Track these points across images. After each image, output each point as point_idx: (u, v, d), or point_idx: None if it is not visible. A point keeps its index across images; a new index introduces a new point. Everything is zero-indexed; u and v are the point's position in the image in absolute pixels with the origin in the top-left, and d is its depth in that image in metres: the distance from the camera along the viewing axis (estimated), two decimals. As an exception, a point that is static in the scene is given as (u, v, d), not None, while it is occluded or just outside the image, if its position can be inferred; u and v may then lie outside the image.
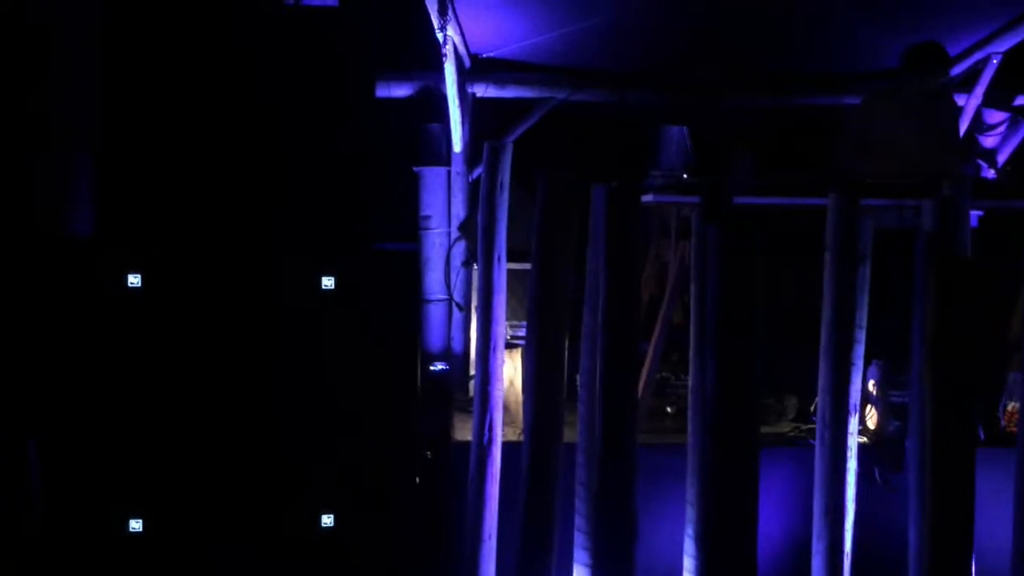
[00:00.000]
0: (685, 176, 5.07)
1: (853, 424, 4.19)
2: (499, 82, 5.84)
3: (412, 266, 5.60)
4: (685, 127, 5.39)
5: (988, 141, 6.01)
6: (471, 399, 4.47)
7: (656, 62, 5.84)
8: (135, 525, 4.14)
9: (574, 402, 4.12)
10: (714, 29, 5.51)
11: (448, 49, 5.15)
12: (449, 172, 5.71)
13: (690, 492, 4.02)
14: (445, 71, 5.32)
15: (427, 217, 5.66)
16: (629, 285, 3.93)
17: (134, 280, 4.14)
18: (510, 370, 4.74)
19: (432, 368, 5.38)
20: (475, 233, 4.26)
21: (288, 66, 4.20)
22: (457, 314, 5.65)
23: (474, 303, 5.08)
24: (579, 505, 4.02)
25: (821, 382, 4.09)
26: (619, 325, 3.88)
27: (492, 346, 4.06)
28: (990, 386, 4.74)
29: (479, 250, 4.09)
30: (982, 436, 4.59)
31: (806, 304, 4.38)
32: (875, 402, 4.68)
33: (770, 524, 4.26)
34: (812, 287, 4.20)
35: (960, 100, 5.89)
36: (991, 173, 5.94)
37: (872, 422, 4.69)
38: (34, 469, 4.16)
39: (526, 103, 5.93)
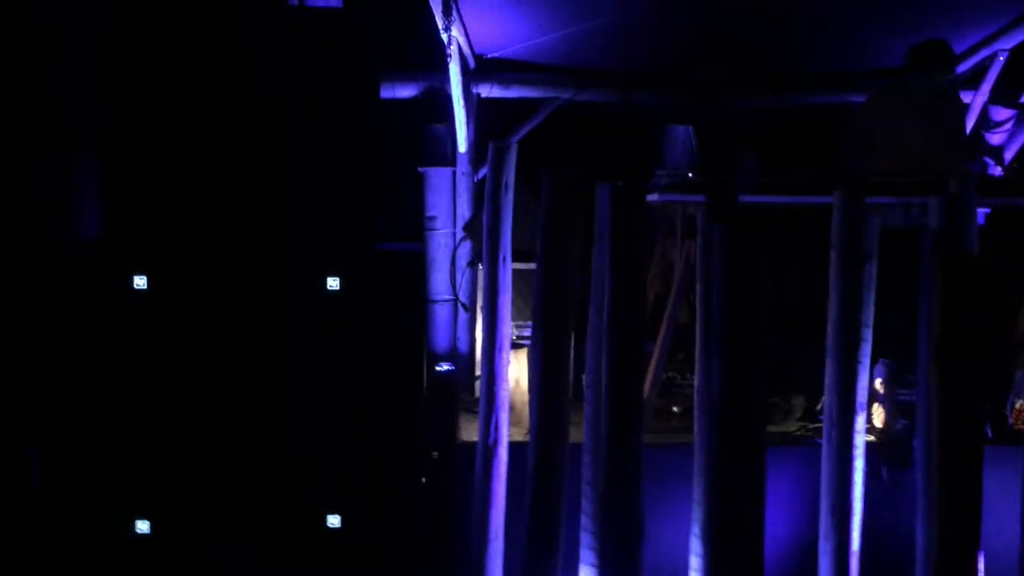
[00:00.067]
0: (690, 175, 5.07)
1: (860, 423, 4.18)
2: (503, 82, 5.84)
3: (417, 267, 5.60)
4: (690, 126, 5.38)
5: (995, 138, 6.00)
6: (477, 399, 4.47)
7: (661, 62, 5.83)
8: (142, 526, 4.15)
9: (580, 402, 4.12)
10: (718, 29, 5.51)
11: (452, 49, 5.15)
12: (454, 172, 5.71)
13: (696, 491, 4.02)
14: (450, 71, 5.32)
15: (432, 218, 5.66)
16: (635, 285, 3.93)
17: (140, 282, 4.14)
18: (516, 370, 4.74)
19: (438, 369, 5.38)
20: (480, 233, 4.26)
21: (292, 67, 4.21)
22: (463, 314, 5.65)
23: (479, 303, 5.08)
24: (585, 505, 4.02)
25: (828, 381, 4.08)
26: (625, 325, 3.88)
27: (498, 346, 4.06)
28: (997, 384, 4.72)
29: (484, 250, 4.09)
30: (989, 434, 4.58)
31: (812, 303, 4.37)
32: (882, 401, 4.67)
33: (777, 523, 4.25)
34: (818, 286, 4.19)
35: (967, 97, 5.87)
36: (998, 170, 5.92)
37: (879, 421, 4.67)
38: (33, 470, 4.16)
39: (531, 103, 5.93)
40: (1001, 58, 5.79)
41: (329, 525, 4.18)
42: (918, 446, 3.95)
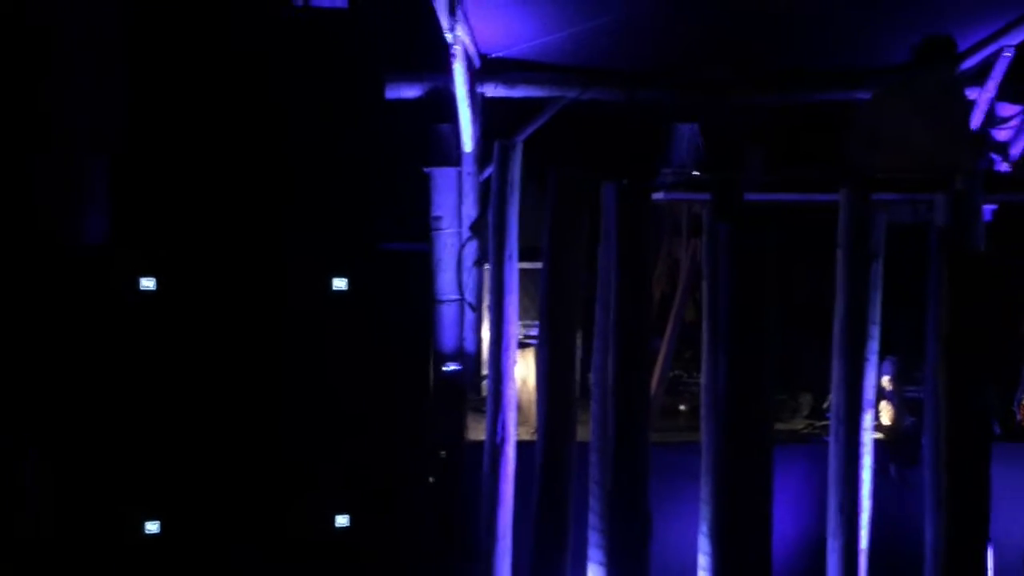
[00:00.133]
0: (696, 174, 5.06)
1: (868, 420, 4.18)
2: (508, 82, 5.84)
3: (423, 267, 5.60)
4: (696, 125, 5.37)
5: (1001, 135, 5.98)
6: (484, 399, 4.47)
7: (666, 60, 5.82)
8: (151, 527, 4.16)
9: (587, 400, 4.12)
10: (724, 27, 5.50)
11: (457, 49, 5.15)
12: (459, 172, 5.71)
13: (704, 490, 4.01)
14: (454, 71, 5.32)
15: (438, 217, 5.66)
16: (641, 283, 3.93)
17: (148, 284, 4.16)
18: (523, 369, 4.73)
19: (445, 368, 5.39)
20: (486, 233, 4.26)
21: (297, 68, 4.22)
22: (469, 314, 5.65)
23: (486, 303, 5.08)
24: (593, 503, 4.02)
25: (835, 378, 4.07)
26: (631, 323, 3.88)
27: (504, 345, 4.06)
28: (1005, 381, 4.71)
29: (490, 249, 4.09)
30: (997, 431, 4.57)
31: (819, 300, 4.36)
32: (890, 398, 4.66)
33: (785, 521, 4.24)
34: (825, 283, 4.19)
35: (973, 94, 5.86)
36: (1005, 167, 5.91)
37: (887, 418, 4.67)
38: (30, 471, 4.17)
39: (536, 102, 5.93)
40: (1007, 54, 5.78)
41: (337, 524, 4.20)
42: (926, 443, 3.95)
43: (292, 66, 4.20)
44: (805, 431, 4.83)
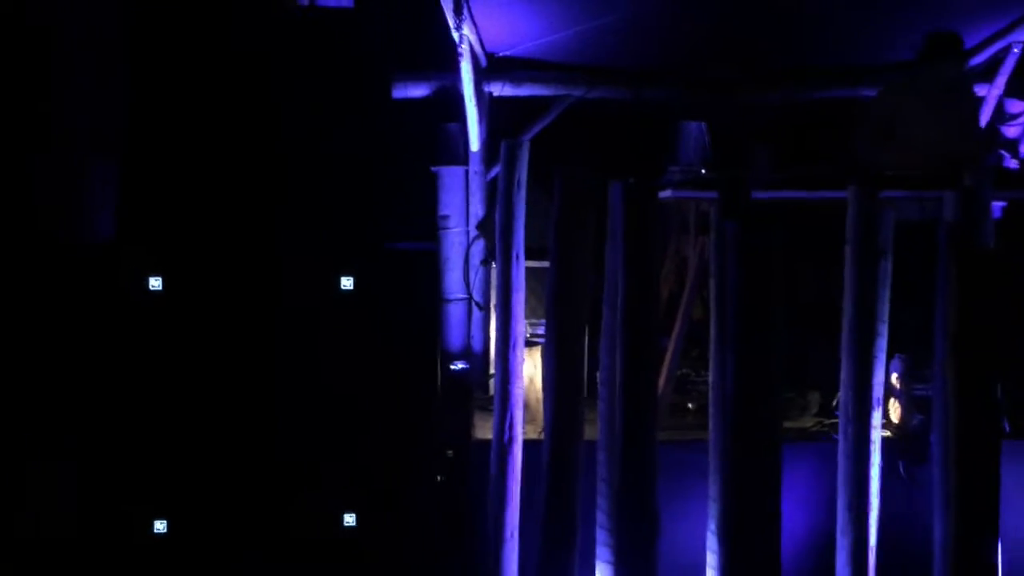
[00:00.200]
0: (703, 172, 5.05)
1: (876, 418, 4.17)
2: (515, 80, 5.84)
3: (431, 266, 5.61)
4: (703, 123, 5.36)
5: (1010, 131, 5.96)
6: (491, 398, 4.47)
7: (672, 58, 5.82)
8: (159, 526, 4.17)
9: (594, 399, 4.12)
10: (729, 24, 5.49)
11: (464, 48, 5.15)
12: (467, 171, 5.72)
13: (712, 488, 4.01)
14: (461, 70, 5.33)
15: (445, 216, 5.67)
16: (648, 281, 3.93)
17: (155, 283, 4.17)
18: (530, 368, 4.74)
19: (452, 367, 5.39)
20: (493, 232, 4.26)
21: (304, 68, 4.23)
22: (477, 313, 5.66)
23: (493, 302, 5.09)
24: (601, 502, 4.02)
25: (843, 376, 4.06)
26: (639, 322, 3.87)
27: (512, 344, 4.06)
28: (1015, 378, 4.69)
29: (497, 249, 4.09)
30: (1007, 428, 4.55)
31: (827, 298, 4.35)
32: (898, 396, 4.65)
33: (794, 519, 4.24)
34: (833, 281, 4.18)
35: (981, 90, 5.83)
36: (1014, 163, 5.88)
37: (895, 416, 4.65)
38: (66, 470, 4.19)
39: (543, 101, 5.93)
40: (1016, 50, 5.76)
41: (345, 524, 4.20)
42: (935, 441, 3.94)
43: (298, 66, 4.21)
44: (814, 429, 4.82)
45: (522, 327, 4.11)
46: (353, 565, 4.26)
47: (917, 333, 4.43)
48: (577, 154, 5.68)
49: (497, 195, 4.10)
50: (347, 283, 4.23)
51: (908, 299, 4.39)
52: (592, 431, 4.10)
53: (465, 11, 4.88)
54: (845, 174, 4.24)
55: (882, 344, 4.22)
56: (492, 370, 4.94)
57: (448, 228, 5.67)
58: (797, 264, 4.28)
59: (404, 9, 5.08)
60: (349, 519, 4.23)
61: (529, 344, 4.65)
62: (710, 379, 4.07)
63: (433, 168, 5.70)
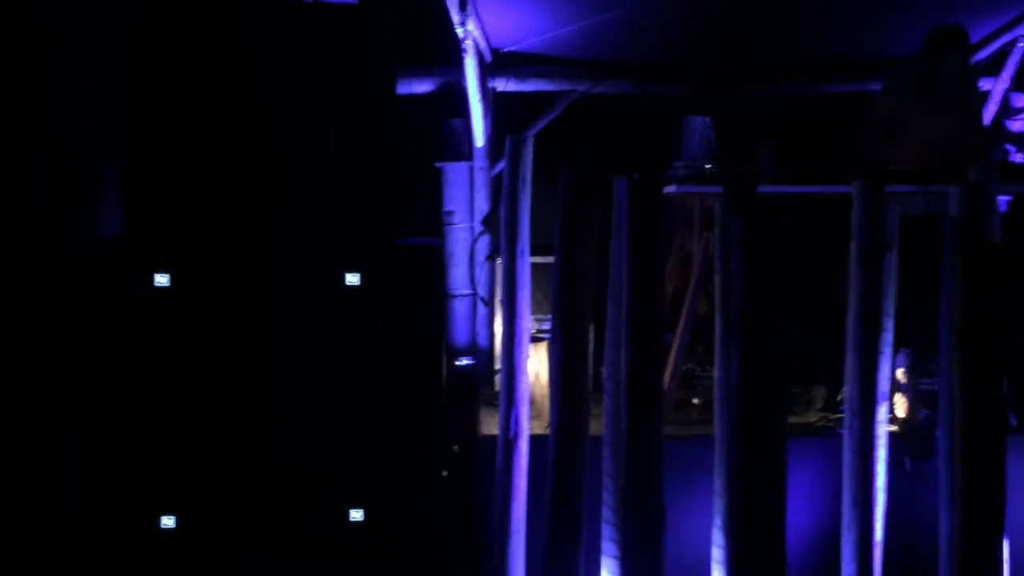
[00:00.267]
0: (708, 167, 5.05)
1: (882, 413, 4.16)
2: (520, 76, 5.84)
3: (436, 262, 5.61)
4: (708, 118, 5.35)
5: (1015, 125, 5.94)
6: (497, 393, 4.48)
7: (677, 53, 5.81)
8: (167, 522, 4.19)
9: (600, 395, 4.12)
10: (734, 19, 5.48)
11: (468, 44, 5.15)
12: (471, 167, 5.72)
13: (718, 483, 4.01)
14: (465, 66, 5.33)
15: (450, 212, 5.67)
16: (653, 277, 3.93)
17: (162, 280, 4.18)
18: (535, 364, 4.74)
19: (458, 363, 5.40)
20: (498, 227, 4.27)
21: (307, 64, 4.23)
22: (482, 309, 5.66)
23: (498, 297, 5.09)
24: (606, 497, 4.02)
25: (849, 371, 4.06)
26: (644, 317, 3.87)
27: (517, 340, 4.06)
28: (1021, 372, 4.68)
29: (502, 244, 4.09)
30: (1013, 423, 4.54)
31: (833, 293, 4.35)
32: (904, 390, 4.64)
33: (799, 514, 4.24)
34: (838, 276, 4.17)
35: (987, 85, 5.82)
36: (1019, 157, 5.87)
37: (901, 411, 4.65)
38: (68, 465, 4.20)
39: (547, 97, 5.92)
40: (1021, 44, 5.74)
41: (351, 519, 4.21)
42: (941, 435, 3.93)
43: (301, 62, 4.21)
44: (819, 424, 4.81)
45: (527, 323, 4.12)
46: (359, 561, 4.27)
47: (923, 328, 4.42)
48: (582, 149, 5.68)
49: (502, 191, 4.10)
50: (352, 279, 4.24)
51: (913, 294, 4.39)
52: (597, 426, 4.11)
53: (469, 7, 4.88)
54: (850, 169, 4.24)
55: (887, 339, 4.22)
56: (497, 366, 4.94)
57: (453, 224, 5.67)
58: (802, 259, 4.28)
59: (408, 5, 5.07)
60: (355, 515, 4.23)
61: (535, 340, 4.65)
62: (715, 374, 4.07)
63: (437, 164, 5.70)
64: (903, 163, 4.84)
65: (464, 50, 5.15)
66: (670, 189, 4.79)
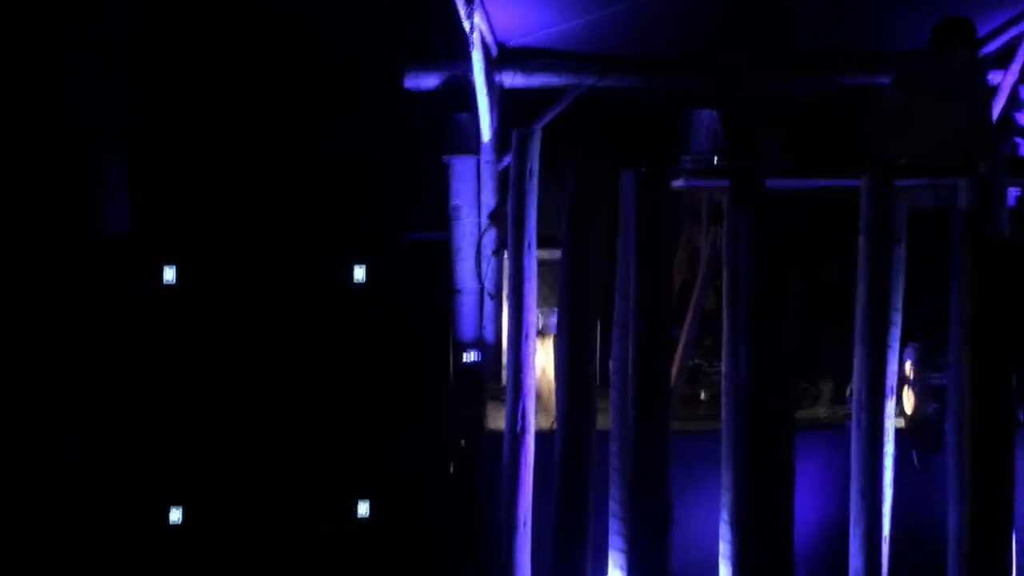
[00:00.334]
0: (715, 160, 5.03)
1: (890, 407, 4.15)
2: (526, 70, 5.83)
3: (443, 256, 5.61)
4: (715, 111, 5.34)
5: (1025, 119, 5.92)
6: (504, 388, 4.48)
7: (683, 46, 5.79)
8: (174, 515, 4.20)
9: (607, 389, 4.12)
10: (741, 12, 5.46)
11: (475, 38, 5.14)
12: (478, 161, 5.71)
13: (725, 477, 4.01)
14: (472, 60, 5.32)
15: (457, 207, 5.66)
16: (660, 271, 3.92)
17: (169, 274, 4.18)
18: (542, 358, 4.74)
19: (464, 357, 5.40)
20: (505, 221, 4.26)
21: (314, 60, 4.22)
22: (489, 303, 5.66)
23: (505, 291, 5.08)
24: (613, 491, 4.02)
25: (857, 365, 4.05)
26: (651, 311, 3.87)
27: (524, 334, 4.06)
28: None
29: (509, 238, 4.09)
30: (1022, 418, 4.53)
31: (841, 287, 4.34)
32: (912, 384, 4.63)
33: (806, 508, 4.23)
34: (847, 270, 4.16)
35: (996, 78, 5.79)
36: (1029, 151, 5.84)
37: (909, 405, 4.64)
38: (70, 459, 4.21)
39: (554, 90, 5.91)
40: (1031, 36, 5.71)
41: (358, 513, 4.22)
42: (949, 430, 3.92)
43: (308, 57, 4.21)
44: (827, 418, 4.80)
45: (534, 317, 4.11)
46: (366, 554, 4.28)
47: (931, 321, 4.41)
48: (588, 143, 5.67)
49: (509, 185, 4.10)
50: (359, 274, 4.24)
51: (922, 287, 4.37)
52: (605, 421, 4.10)
53: (476, 1, 4.87)
54: (859, 163, 4.22)
55: (896, 333, 4.21)
56: (504, 360, 4.94)
57: (460, 218, 5.67)
58: (810, 253, 4.26)
59: (414, 0, 5.06)
60: (363, 508, 4.24)
61: (541, 334, 4.65)
62: (723, 369, 4.06)
63: (444, 158, 5.69)
64: (911, 156, 4.82)
65: (471, 44, 5.15)
66: (677, 183, 4.77)
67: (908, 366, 4.60)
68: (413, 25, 4.89)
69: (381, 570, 4.26)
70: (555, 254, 4.15)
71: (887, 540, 4.18)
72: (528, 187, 4.02)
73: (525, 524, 4.08)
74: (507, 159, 5.33)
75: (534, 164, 4.03)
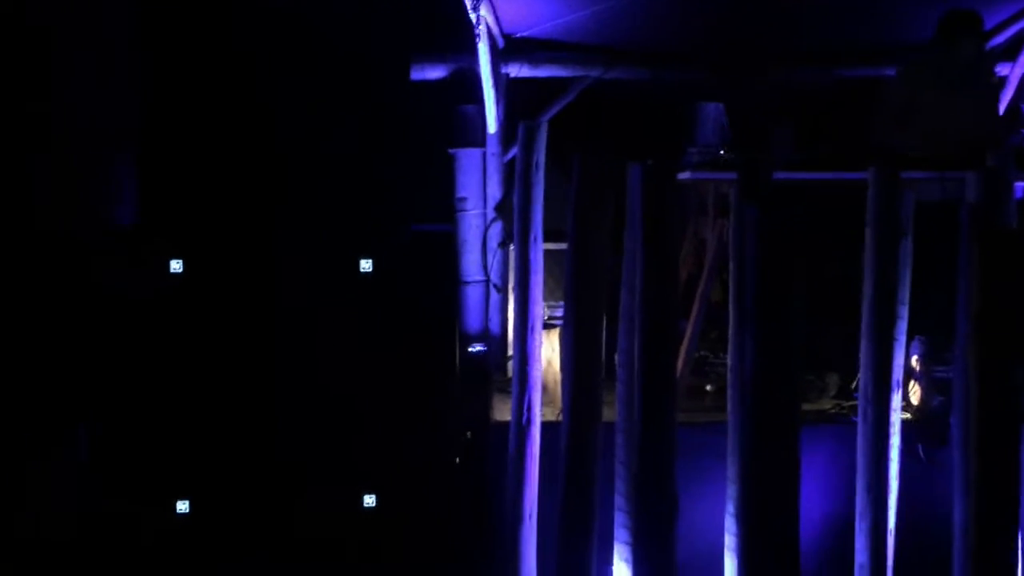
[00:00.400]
0: (722, 153, 5.03)
1: (896, 400, 4.15)
2: (533, 62, 5.82)
3: (449, 248, 5.61)
4: (721, 104, 5.33)
5: (1033, 111, 5.90)
6: (509, 380, 4.48)
7: (690, 39, 5.78)
8: (181, 506, 4.21)
9: (613, 381, 4.12)
10: (748, 4, 5.45)
11: (481, 29, 5.13)
12: (484, 153, 5.71)
13: (731, 470, 4.01)
14: (478, 52, 5.31)
15: (463, 199, 5.66)
16: (667, 263, 3.91)
17: (176, 266, 4.19)
18: (548, 350, 4.74)
19: (470, 349, 5.40)
20: (511, 214, 4.26)
21: (321, 51, 4.22)
22: (494, 295, 5.66)
23: (511, 284, 5.08)
24: (619, 484, 4.02)
25: (863, 358, 4.05)
26: (657, 304, 3.86)
27: (530, 327, 4.06)
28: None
29: (515, 231, 4.09)
30: (1029, 411, 4.52)
31: (847, 280, 4.33)
32: (918, 378, 4.63)
33: (812, 501, 4.23)
34: (853, 262, 4.15)
35: (1004, 70, 5.77)
36: (1037, 144, 5.82)
37: (915, 398, 4.63)
38: (82, 449, 4.22)
39: (560, 82, 5.90)
40: (1040, 28, 5.69)
41: (364, 505, 4.23)
42: (955, 423, 3.91)
43: (314, 49, 4.20)
44: (833, 411, 4.80)
45: (540, 309, 4.11)
46: (372, 545, 4.29)
47: (938, 315, 4.40)
48: (595, 135, 5.66)
49: (515, 177, 4.09)
50: (366, 265, 4.24)
51: (929, 281, 4.36)
52: (610, 413, 4.11)
53: (482, -8, 4.86)
54: (866, 155, 4.21)
55: (902, 326, 4.20)
56: (510, 352, 4.94)
57: (466, 210, 5.67)
58: (817, 246, 4.26)
59: (421, -9, 5.06)
60: (369, 500, 4.25)
61: (547, 326, 4.65)
62: (728, 361, 4.06)
63: (450, 150, 5.69)
64: (917, 149, 4.81)
65: (477, 35, 5.13)
66: (684, 175, 4.77)
67: (914, 359, 4.60)
68: (420, 16, 4.88)
69: (386, 562, 4.27)
70: (561, 246, 4.15)
71: (893, 533, 4.18)
72: (534, 179, 4.01)
73: (531, 516, 4.08)
74: (513, 151, 5.33)
75: (540, 156, 4.02)
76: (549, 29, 5.68)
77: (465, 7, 4.91)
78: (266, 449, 4.24)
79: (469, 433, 4.78)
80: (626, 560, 3.93)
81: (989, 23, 5.29)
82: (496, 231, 5.67)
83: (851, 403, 4.68)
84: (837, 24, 5.71)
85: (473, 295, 5.66)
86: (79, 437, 4.20)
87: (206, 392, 4.23)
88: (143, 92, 4.16)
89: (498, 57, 5.68)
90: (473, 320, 5.63)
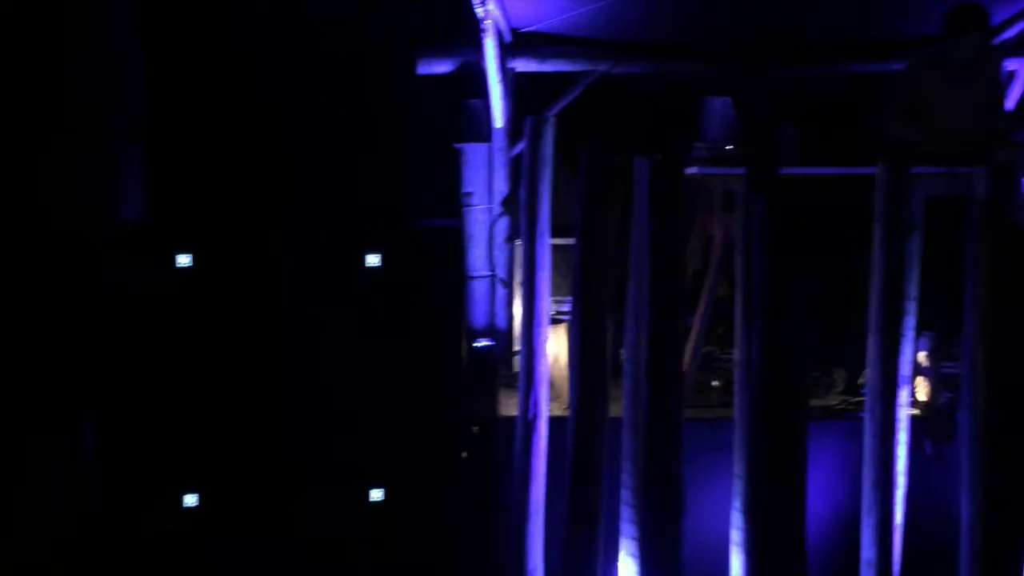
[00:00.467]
0: (729, 148, 5.01)
1: (903, 396, 4.14)
2: (540, 56, 5.81)
3: (455, 243, 5.59)
4: (729, 98, 5.32)
5: (1042, 106, 5.87)
6: (516, 375, 4.48)
7: (698, 34, 5.77)
8: (190, 500, 4.22)
9: (619, 377, 4.12)
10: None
11: (488, 24, 5.13)
12: (491, 148, 5.70)
13: (738, 465, 4.01)
14: (485, 46, 5.31)
15: (469, 193, 5.66)
16: (674, 259, 3.91)
17: (184, 260, 4.19)
18: (555, 345, 4.74)
19: (477, 344, 5.40)
20: (518, 208, 4.26)
21: (327, 45, 4.21)
22: (501, 290, 5.66)
23: (518, 279, 5.08)
24: (625, 479, 4.02)
25: (870, 354, 4.04)
26: (664, 299, 3.86)
27: (536, 322, 4.06)
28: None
29: (522, 225, 4.09)
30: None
31: (855, 275, 4.32)
32: (926, 374, 4.62)
33: (819, 497, 4.23)
34: (861, 258, 4.15)
35: (1013, 64, 5.75)
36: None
37: (923, 394, 4.63)
38: (88, 443, 4.22)
39: (567, 77, 5.89)
40: (1048, 23, 5.66)
41: (371, 499, 4.23)
42: (962, 419, 3.91)
43: (320, 42, 4.19)
44: (839, 407, 4.80)
45: (547, 304, 4.11)
46: (378, 540, 4.30)
47: (946, 311, 4.39)
48: (602, 130, 5.64)
49: (522, 172, 4.09)
50: (373, 260, 4.24)
51: (937, 276, 4.35)
52: (617, 408, 4.11)
53: (489, -14, 4.86)
54: (874, 150, 4.20)
55: (910, 322, 4.19)
56: (517, 347, 4.94)
57: (472, 205, 5.67)
58: (824, 241, 4.25)
59: (427, -16, 5.04)
60: (375, 495, 4.25)
61: (554, 321, 4.65)
62: (735, 357, 4.06)
63: (457, 145, 5.69)
64: (924, 144, 4.79)
65: (483, 30, 5.13)
66: (691, 171, 4.76)
67: (922, 355, 4.59)
68: (426, 11, 4.87)
69: (392, 556, 4.27)
70: (568, 241, 4.14)
71: (899, 529, 4.18)
72: (541, 174, 4.01)
73: (537, 511, 4.09)
74: (520, 146, 5.33)
75: (548, 151, 4.02)
76: (556, 23, 5.66)
77: (471, 1, 4.91)
78: (271, 443, 4.25)
79: (476, 428, 4.78)
80: (633, 555, 3.94)
81: (998, 18, 5.27)
82: (502, 226, 5.67)
83: (858, 399, 4.67)
84: (845, 18, 5.69)
85: (479, 290, 5.66)
86: (84, 427, 4.20)
87: (213, 386, 4.23)
88: (149, 88, 4.15)
89: (505, 52, 5.67)
90: (479, 315, 5.62)
